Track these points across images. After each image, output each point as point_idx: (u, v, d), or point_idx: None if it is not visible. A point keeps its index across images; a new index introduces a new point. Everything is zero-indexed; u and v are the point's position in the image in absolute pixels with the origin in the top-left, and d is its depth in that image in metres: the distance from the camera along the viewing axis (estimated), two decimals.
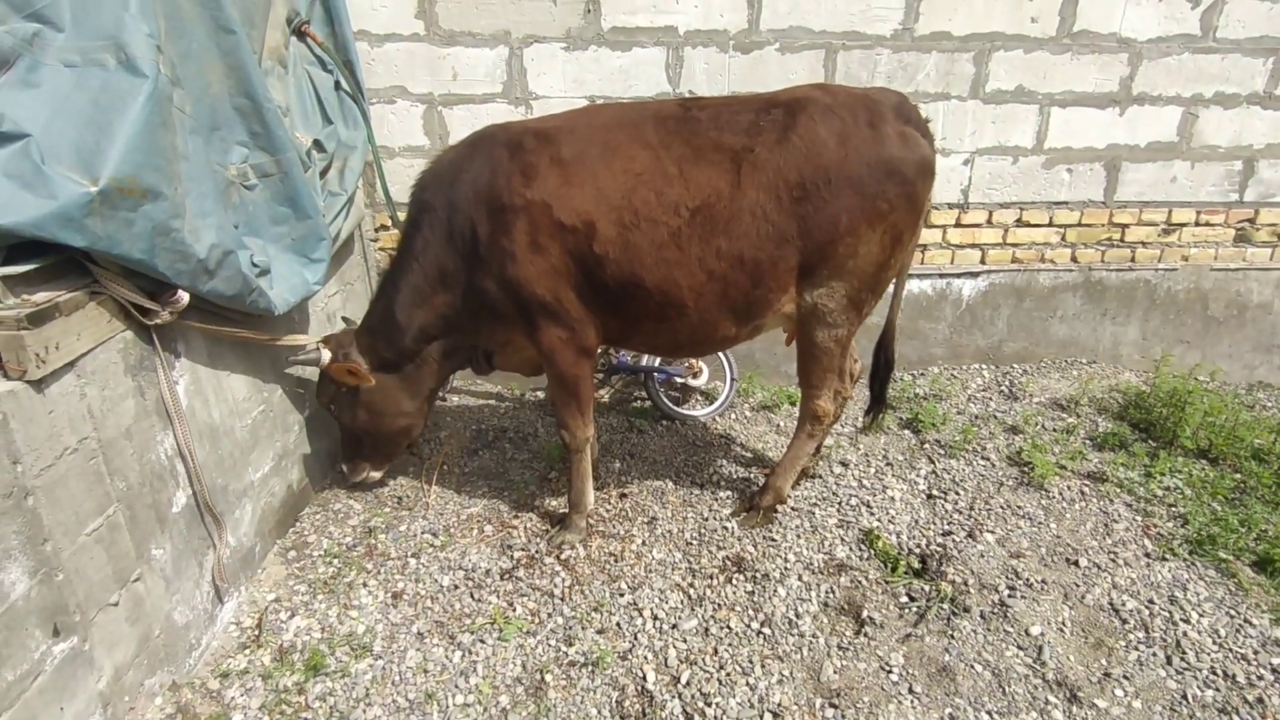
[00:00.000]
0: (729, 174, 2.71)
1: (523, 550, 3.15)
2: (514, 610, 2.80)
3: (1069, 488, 3.57)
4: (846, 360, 3.26)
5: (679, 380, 4.34)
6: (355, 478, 3.40)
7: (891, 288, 3.22)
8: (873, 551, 3.11)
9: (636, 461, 3.88)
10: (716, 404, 4.35)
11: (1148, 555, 3.09)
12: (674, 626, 2.71)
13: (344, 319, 3.50)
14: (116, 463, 2.14)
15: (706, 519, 3.35)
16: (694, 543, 3.19)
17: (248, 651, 2.58)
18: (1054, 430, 4.14)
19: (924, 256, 4.67)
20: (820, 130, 2.71)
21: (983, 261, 4.71)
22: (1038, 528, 3.28)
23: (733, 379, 4.38)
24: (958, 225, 4.62)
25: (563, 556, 3.09)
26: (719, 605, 2.81)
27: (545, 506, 3.49)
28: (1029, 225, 4.64)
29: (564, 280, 2.81)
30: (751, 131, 2.74)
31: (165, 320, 2.22)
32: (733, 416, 4.38)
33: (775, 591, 2.87)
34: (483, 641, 2.65)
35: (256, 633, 2.65)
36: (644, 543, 3.19)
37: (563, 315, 2.86)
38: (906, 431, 4.17)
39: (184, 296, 2.25)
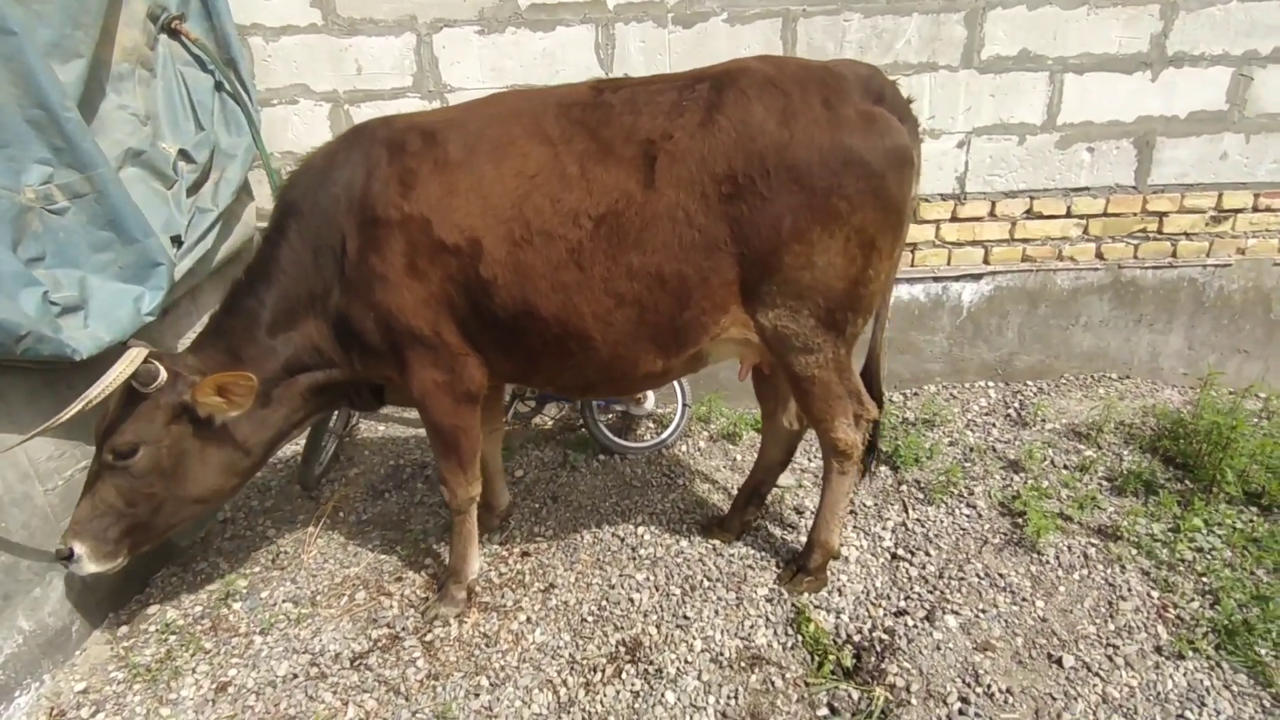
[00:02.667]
0: (642, 170, 2.16)
1: (387, 627, 2.69)
2: (346, 713, 2.34)
3: (1070, 548, 2.88)
4: (852, 379, 2.56)
5: (618, 408, 3.81)
6: (100, 565, 2.36)
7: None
8: (800, 638, 2.52)
9: (558, 506, 3.37)
10: (665, 434, 3.79)
11: (1159, 650, 2.40)
12: None
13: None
14: None
15: (614, 586, 2.82)
16: (589, 620, 2.67)
17: None
18: (1065, 468, 3.43)
19: (914, 257, 3.98)
20: (755, 108, 2.14)
21: (986, 261, 3.98)
22: (1019, 606, 2.62)
23: (685, 404, 3.82)
24: (954, 219, 3.91)
25: (427, 638, 2.62)
26: (590, 715, 2.28)
27: (438, 565, 3.02)
28: (1042, 217, 3.89)
29: (445, 311, 2.32)
30: (672, 114, 2.19)
31: None
32: (684, 449, 3.81)
33: (663, 696, 2.32)
34: None
35: None
36: (530, 620, 2.68)
37: (442, 352, 2.37)
38: (884, 469, 3.53)
39: None
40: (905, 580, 2.79)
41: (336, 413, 3.66)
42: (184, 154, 3.16)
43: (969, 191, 3.84)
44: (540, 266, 2.21)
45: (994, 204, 3.86)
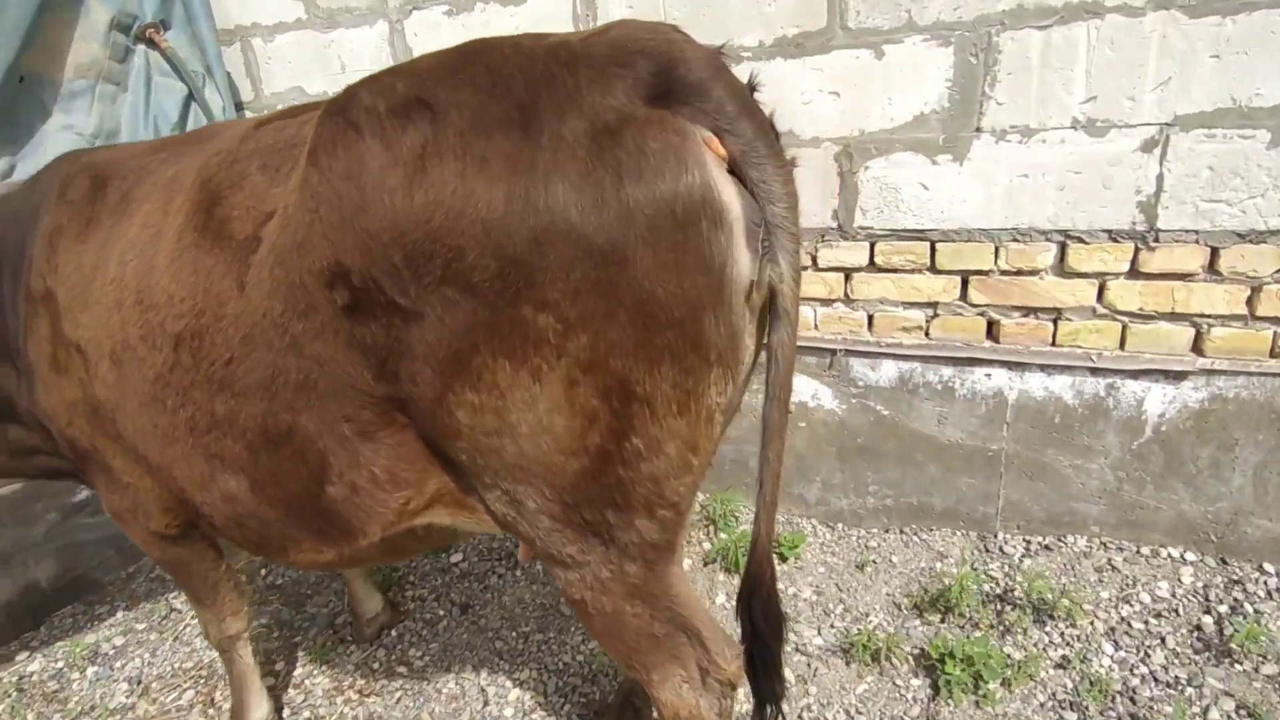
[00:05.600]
0: (241, 265, 1.37)
1: None
2: None
3: None
4: (679, 609, 1.39)
5: None
6: None
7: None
8: None
9: (461, 621, 2.67)
10: None
11: None
12: None
13: None
14: None
15: None
16: None
17: None
18: None
19: (1057, 333, 2.42)
20: (370, 151, 1.15)
21: (1198, 349, 2.28)
22: None
23: None
24: (1135, 274, 2.27)
25: None
26: None
27: (290, 671, 2.54)
28: None
29: (98, 424, 1.75)
30: (294, 168, 1.35)
31: None
32: None
33: None
34: None
35: None
36: None
37: (112, 474, 1.82)
38: (916, 680, 2.20)
39: None
40: None
41: None
42: None
43: (1163, 229, 2.17)
44: (129, 399, 1.51)
45: (1214, 252, 2.14)
